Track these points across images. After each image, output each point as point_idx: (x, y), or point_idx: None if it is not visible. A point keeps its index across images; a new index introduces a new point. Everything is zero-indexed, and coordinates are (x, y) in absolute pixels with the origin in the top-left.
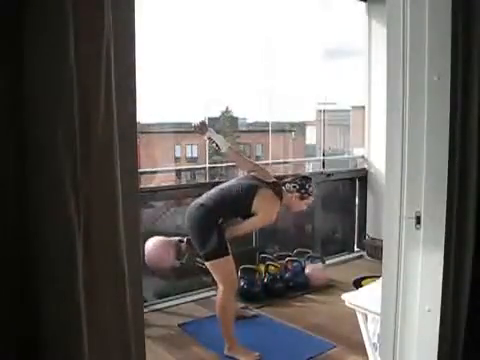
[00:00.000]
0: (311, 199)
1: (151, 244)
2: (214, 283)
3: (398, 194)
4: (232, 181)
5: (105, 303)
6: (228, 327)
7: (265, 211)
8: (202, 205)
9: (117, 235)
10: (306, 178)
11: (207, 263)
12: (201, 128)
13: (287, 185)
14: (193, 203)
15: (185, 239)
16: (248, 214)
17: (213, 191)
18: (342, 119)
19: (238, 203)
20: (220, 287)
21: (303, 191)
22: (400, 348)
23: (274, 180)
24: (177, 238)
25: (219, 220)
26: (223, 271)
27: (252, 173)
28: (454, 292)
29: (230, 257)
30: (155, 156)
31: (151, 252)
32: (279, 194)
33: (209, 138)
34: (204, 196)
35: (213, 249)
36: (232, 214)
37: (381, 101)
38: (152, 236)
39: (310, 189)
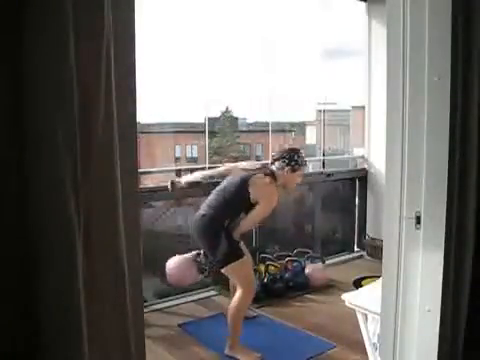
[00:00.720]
0: (303, 169)
1: (172, 263)
2: (215, 283)
3: (398, 194)
4: (224, 182)
5: (105, 303)
6: (237, 328)
7: (265, 197)
8: (203, 215)
9: (117, 235)
10: (293, 149)
11: (223, 270)
12: (174, 187)
13: (276, 163)
14: (196, 214)
15: (202, 251)
16: (250, 206)
17: (210, 197)
18: (342, 119)
19: (236, 200)
20: (238, 291)
21: (293, 163)
22: (400, 348)
23: (261, 164)
24: (194, 252)
25: (225, 223)
26: (240, 274)
27: (239, 167)
28: (454, 292)
29: (245, 259)
30: (155, 156)
31: (173, 270)
32: (271, 175)
33: (187, 184)
34: (204, 205)
35: (225, 254)
36: (235, 213)
37: (381, 101)
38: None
39: (300, 160)
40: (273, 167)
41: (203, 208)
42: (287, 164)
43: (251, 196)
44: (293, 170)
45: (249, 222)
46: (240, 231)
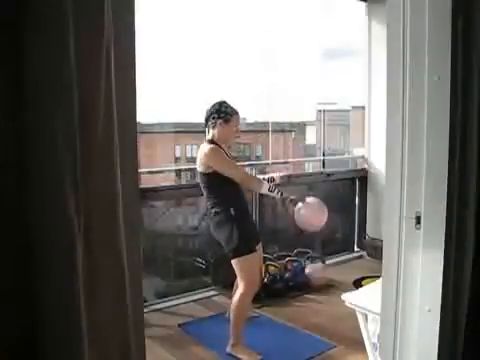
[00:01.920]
0: (237, 117)
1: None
2: (214, 283)
3: (398, 194)
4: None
5: (105, 303)
6: (239, 325)
7: (211, 158)
8: (211, 218)
9: (117, 235)
10: (216, 103)
11: (232, 261)
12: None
13: (209, 124)
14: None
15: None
16: (223, 178)
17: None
18: (342, 119)
19: (212, 184)
20: (240, 287)
21: (223, 115)
22: (400, 348)
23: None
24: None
25: (231, 212)
26: (248, 270)
27: None
28: (454, 292)
29: (255, 255)
30: (155, 156)
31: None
32: (210, 142)
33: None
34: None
35: (236, 245)
36: (226, 196)
37: (381, 101)
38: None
39: (228, 109)
40: (210, 133)
41: (207, 212)
42: (218, 117)
43: (208, 169)
44: (226, 121)
45: (244, 180)
46: (250, 186)
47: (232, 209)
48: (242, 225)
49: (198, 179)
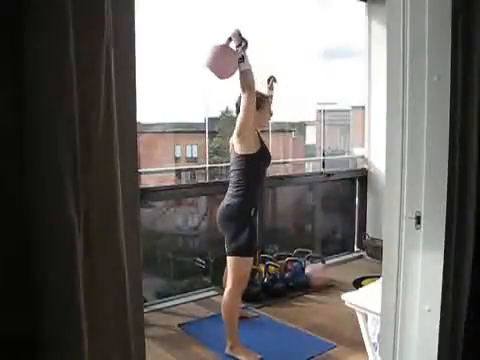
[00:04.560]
0: (267, 101)
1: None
2: (214, 283)
3: (398, 194)
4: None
5: (105, 303)
6: (232, 326)
7: (238, 129)
8: (228, 205)
9: (117, 235)
10: (239, 98)
11: (229, 257)
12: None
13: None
14: (221, 205)
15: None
16: (248, 159)
17: (229, 190)
18: (342, 119)
19: (238, 167)
20: (228, 286)
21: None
22: (400, 348)
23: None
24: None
25: (251, 213)
26: (240, 271)
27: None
28: (454, 292)
29: (251, 259)
30: (155, 156)
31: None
32: None
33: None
34: (227, 197)
35: (241, 244)
36: (254, 186)
37: (381, 101)
38: None
39: (258, 96)
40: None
41: (226, 199)
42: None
43: (241, 149)
44: (257, 107)
45: (250, 83)
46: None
47: (253, 210)
48: (253, 228)
49: (230, 160)
